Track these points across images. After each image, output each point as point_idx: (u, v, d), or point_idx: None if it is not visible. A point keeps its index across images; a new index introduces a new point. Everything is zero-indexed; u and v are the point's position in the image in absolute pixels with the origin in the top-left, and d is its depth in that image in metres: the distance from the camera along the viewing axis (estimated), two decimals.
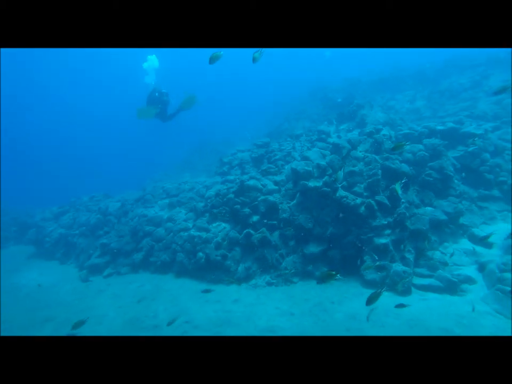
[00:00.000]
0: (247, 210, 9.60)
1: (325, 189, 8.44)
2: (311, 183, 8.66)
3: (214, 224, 10.42)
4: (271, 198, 9.43)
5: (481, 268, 7.46)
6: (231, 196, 10.21)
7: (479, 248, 7.97)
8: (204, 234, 10.16)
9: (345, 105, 14.29)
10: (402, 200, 8.33)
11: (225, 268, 9.20)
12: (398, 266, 7.43)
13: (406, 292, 7.16)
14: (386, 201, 8.29)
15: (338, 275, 4.17)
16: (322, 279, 4.23)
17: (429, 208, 8.58)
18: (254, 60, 5.14)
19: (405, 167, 8.88)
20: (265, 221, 9.35)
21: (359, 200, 8.24)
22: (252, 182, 9.94)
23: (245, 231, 9.29)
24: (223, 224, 10.20)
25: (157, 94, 12.70)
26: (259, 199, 9.56)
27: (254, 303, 8.01)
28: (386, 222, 8.07)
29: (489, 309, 6.46)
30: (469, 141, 10.18)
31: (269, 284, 8.63)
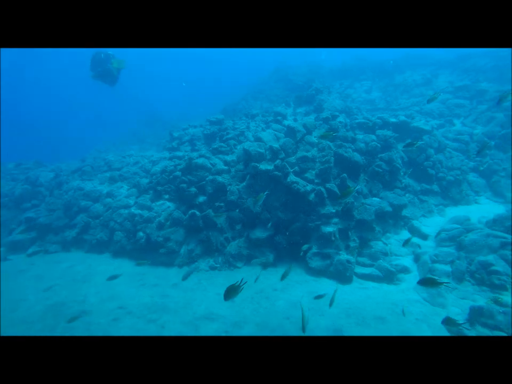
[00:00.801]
0: (193, 189, 8.99)
1: (276, 173, 8.12)
2: (262, 166, 8.28)
3: (157, 203, 9.69)
4: (219, 178, 8.91)
5: (417, 258, 7.80)
6: (178, 173, 9.50)
7: (416, 240, 8.33)
8: (145, 213, 9.43)
9: (305, 88, 14.00)
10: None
11: (166, 249, 8.61)
12: (342, 255, 7.46)
13: (347, 280, 7.25)
14: (336, 190, 8.24)
15: (242, 287, 3.71)
16: (228, 295, 3.78)
17: (376, 199, 8.73)
18: None
19: (357, 156, 8.88)
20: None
21: (309, 187, 8.08)
22: (200, 160, 9.30)
23: (190, 212, 8.72)
24: (168, 203, 9.52)
25: (102, 55, 11.38)
26: (207, 178, 8.99)
27: (195, 288, 7.62)
28: (334, 211, 8.04)
29: (418, 297, 6.77)
30: (417, 137, 10.52)
31: (212, 268, 8.25)
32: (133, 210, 9.73)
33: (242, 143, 10.36)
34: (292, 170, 8.34)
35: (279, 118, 11.22)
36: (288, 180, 8.07)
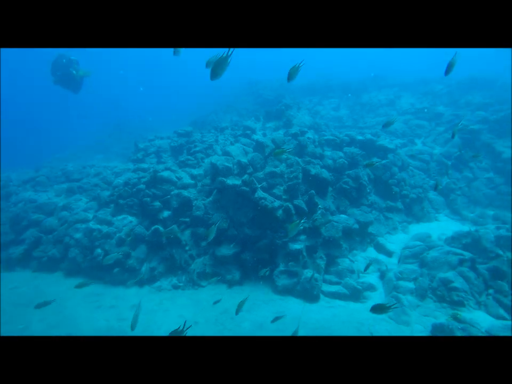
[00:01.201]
0: (157, 204, 8.57)
1: (244, 188, 7.94)
2: (230, 181, 8.07)
3: (119, 217, 9.11)
4: (185, 192, 8.57)
5: (382, 275, 7.87)
6: (142, 186, 9.04)
7: (382, 257, 8.44)
8: (105, 228, 8.81)
9: (275, 103, 14.13)
10: (320, 206, 8.33)
11: (127, 267, 8.05)
12: (309, 273, 7.35)
13: (314, 299, 7.12)
14: (303, 206, 8.18)
15: (185, 331, 3.61)
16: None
17: (343, 216, 8.77)
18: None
19: (325, 173, 8.94)
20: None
21: (277, 203, 7.96)
22: (166, 174, 8.92)
23: (153, 227, 8.26)
24: (130, 218, 8.98)
25: (64, 60, 10.84)
26: (172, 192, 8.61)
27: (156, 309, 7.15)
28: (302, 228, 7.95)
29: (384, 316, 6.77)
30: (382, 155, 10.83)
31: (175, 287, 7.82)
32: (91, 225, 9.05)
33: (210, 156, 10.12)
34: (259, 185, 8.19)
35: (248, 132, 11.15)
36: (256, 195, 7.90)
